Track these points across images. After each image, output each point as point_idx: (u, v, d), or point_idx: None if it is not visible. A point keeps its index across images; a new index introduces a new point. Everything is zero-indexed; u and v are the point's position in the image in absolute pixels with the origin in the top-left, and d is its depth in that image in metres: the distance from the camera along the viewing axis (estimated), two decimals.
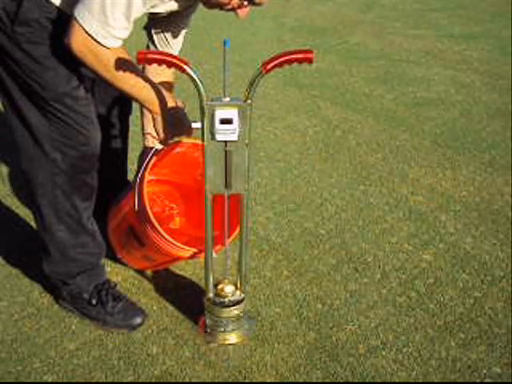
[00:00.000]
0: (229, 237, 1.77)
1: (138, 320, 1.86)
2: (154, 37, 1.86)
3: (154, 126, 1.67)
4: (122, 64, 1.52)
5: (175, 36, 1.86)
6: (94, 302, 1.85)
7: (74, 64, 1.60)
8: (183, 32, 1.88)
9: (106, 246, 1.93)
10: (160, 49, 1.85)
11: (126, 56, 1.53)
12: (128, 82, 1.55)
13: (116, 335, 1.83)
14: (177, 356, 1.76)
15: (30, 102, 1.62)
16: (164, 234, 1.72)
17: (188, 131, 1.72)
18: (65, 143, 1.65)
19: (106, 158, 1.79)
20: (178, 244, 1.75)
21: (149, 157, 1.75)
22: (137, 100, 1.63)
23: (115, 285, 1.92)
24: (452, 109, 3.68)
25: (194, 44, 4.72)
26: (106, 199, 1.93)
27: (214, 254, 1.74)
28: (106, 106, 1.92)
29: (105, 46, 1.48)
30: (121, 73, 1.52)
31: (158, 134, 1.68)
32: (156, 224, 1.71)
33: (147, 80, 1.59)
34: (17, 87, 1.62)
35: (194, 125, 1.72)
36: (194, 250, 1.80)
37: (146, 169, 1.73)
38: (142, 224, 1.77)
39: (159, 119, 1.64)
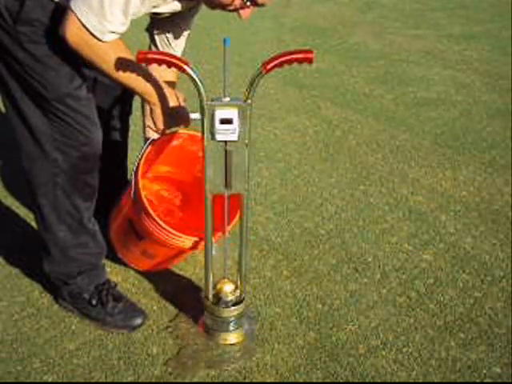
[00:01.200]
0: (228, 224, 1.76)
1: (138, 321, 1.86)
2: (156, 38, 1.86)
3: (152, 116, 1.67)
4: (118, 56, 1.52)
5: (177, 38, 1.86)
6: (94, 302, 1.85)
7: (75, 64, 1.61)
8: (185, 34, 1.88)
9: (107, 246, 1.93)
10: (162, 50, 1.86)
11: (122, 47, 1.53)
12: (124, 74, 1.55)
13: (116, 335, 1.83)
14: (176, 356, 1.76)
15: (31, 102, 1.62)
16: (159, 220, 1.71)
17: (186, 122, 1.72)
18: (66, 143, 1.65)
19: (106, 157, 1.79)
20: (174, 231, 1.74)
21: (145, 146, 1.75)
22: (133, 91, 1.63)
23: (115, 285, 1.92)
24: (452, 109, 3.68)
25: (194, 44, 4.71)
26: (106, 199, 1.93)
27: (214, 243, 1.73)
28: (107, 105, 1.92)
29: (101, 40, 1.48)
30: (117, 65, 1.52)
31: (155, 124, 1.68)
32: (151, 211, 1.71)
33: (144, 71, 1.59)
34: (18, 87, 1.62)
35: (192, 115, 1.72)
36: (192, 238, 1.77)
37: (141, 158, 1.74)
38: (138, 213, 1.76)
39: (157, 110, 1.64)
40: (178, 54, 1.88)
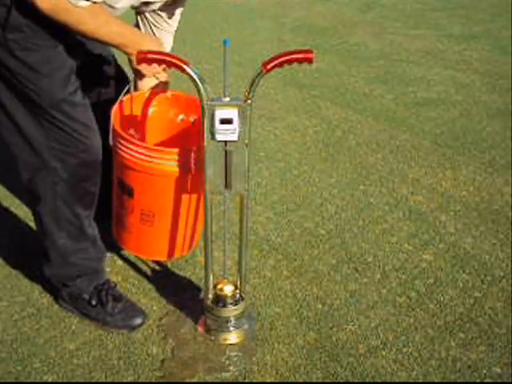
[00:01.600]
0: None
1: (138, 321, 1.86)
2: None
3: (132, 66, 1.68)
4: (94, 16, 1.51)
5: (165, 35, 1.85)
6: (93, 302, 1.85)
7: (69, 69, 1.59)
8: (173, 30, 1.87)
9: (111, 246, 1.93)
10: None
11: (97, 9, 1.51)
12: (100, 32, 1.54)
13: (116, 335, 1.83)
14: (176, 356, 1.76)
15: (26, 111, 1.60)
16: (133, 140, 1.69)
17: (165, 69, 1.72)
18: (63, 151, 1.64)
19: (104, 161, 1.78)
20: (148, 145, 1.69)
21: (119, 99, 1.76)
22: (109, 44, 1.62)
23: (115, 285, 1.92)
24: (452, 109, 3.68)
25: (194, 44, 4.72)
26: (106, 202, 1.92)
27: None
28: (103, 109, 1.90)
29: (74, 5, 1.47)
30: (93, 25, 1.52)
31: (134, 73, 1.70)
32: (123, 133, 1.70)
33: (120, 24, 1.58)
34: (12, 96, 1.59)
35: None
36: (171, 151, 1.69)
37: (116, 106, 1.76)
38: (116, 153, 1.72)
39: (135, 59, 1.62)
40: (168, 49, 1.88)
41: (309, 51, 1.49)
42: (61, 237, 1.77)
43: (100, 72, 1.89)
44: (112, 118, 1.71)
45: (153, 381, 1.69)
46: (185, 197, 1.78)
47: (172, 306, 1.95)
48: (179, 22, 1.89)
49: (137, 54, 1.51)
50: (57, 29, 1.53)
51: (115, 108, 1.74)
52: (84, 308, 1.87)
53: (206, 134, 1.55)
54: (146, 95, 1.87)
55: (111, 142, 1.71)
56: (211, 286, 1.78)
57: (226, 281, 1.80)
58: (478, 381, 1.70)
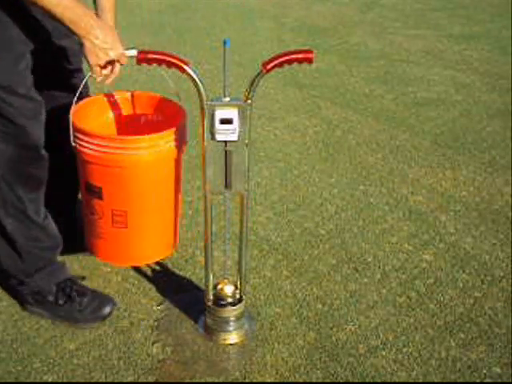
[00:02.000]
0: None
1: (107, 309, 1.85)
2: None
3: (83, 51, 1.56)
4: None
5: None
6: (61, 302, 1.83)
7: (19, 55, 1.56)
8: None
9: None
10: None
11: None
12: (50, 3, 1.46)
13: (116, 335, 1.83)
14: (176, 356, 1.76)
15: None
16: (95, 133, 1.66)
17: (121, 57, 1.59)
18: (5, 132, 1.62)
19: (61, 158, 1.77)
20: (115, 137, 1.68)
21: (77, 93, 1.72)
22: (61, 21, 1.50)
23: (82, 278, 1.90)
24: (452, 109, 3.68)
25: (194, 44, 4.72)
26: (67, 200, 1.89)
27: None
28: (64, 106, 1.80)
29: None
30: None
31: (86, 59, 1.57)
32: (84, 128, 1.67)
33: (73, 1, 1.50)
34: None
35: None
36: (139, 138, 1.67)
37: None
38: (80, 153, 1.70)
39: (87, 43, 1.53)
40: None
41: (309, 51, 1.49)
42: (9, 223, 1.74)
43: (60, 65, 1.81)
44: (71, 117, 1.68)
45: (153, 381, 1.69)
46: (156, 188, 1.75)
47: (172, 306, 1.95)
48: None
49: (137, 54, 1.51)
50: (12, 10, 1.49)
51: (74, 109, 1.70)
52: (53, 309, 1.85)
53: (206, 134, 1.55)
54: (105, 99, 1.86)
55: (72, 142, 1.69)
56: (211, 286, 1.79)
57: (226, 281, 1.80)
58: (477, 381, 1.70)
